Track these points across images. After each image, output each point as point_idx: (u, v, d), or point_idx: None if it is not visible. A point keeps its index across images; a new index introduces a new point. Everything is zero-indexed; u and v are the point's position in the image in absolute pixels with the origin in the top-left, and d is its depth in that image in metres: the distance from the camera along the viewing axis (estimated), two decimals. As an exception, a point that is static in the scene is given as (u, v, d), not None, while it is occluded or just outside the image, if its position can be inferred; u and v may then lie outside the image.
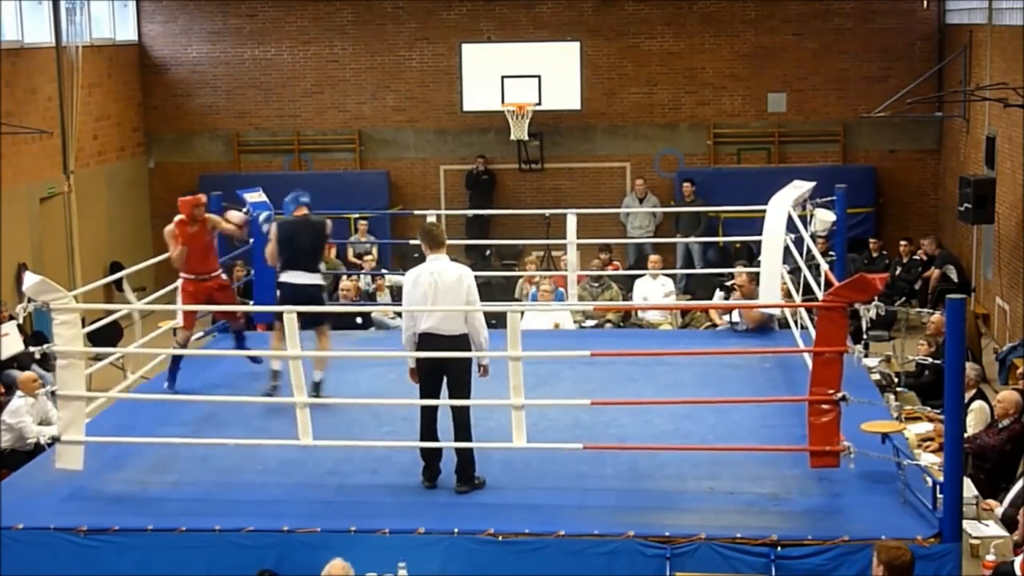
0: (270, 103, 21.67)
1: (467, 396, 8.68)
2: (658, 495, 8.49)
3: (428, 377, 8.72)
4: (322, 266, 10.66)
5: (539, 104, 19.92)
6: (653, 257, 16.52)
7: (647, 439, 9.35)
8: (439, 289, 8.63)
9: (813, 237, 11.98)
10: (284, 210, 10.73)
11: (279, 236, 10.51)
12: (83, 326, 9.17)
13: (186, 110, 21.70)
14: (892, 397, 10.73)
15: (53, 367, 9.34)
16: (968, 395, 10.76)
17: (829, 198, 12.37)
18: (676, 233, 20.00)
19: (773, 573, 7.64)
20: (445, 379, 8.71)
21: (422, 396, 8.75)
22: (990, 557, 8.01)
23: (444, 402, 8.72)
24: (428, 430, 8.71)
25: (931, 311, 13.31)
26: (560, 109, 20.40)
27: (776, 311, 12.42)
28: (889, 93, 18.79)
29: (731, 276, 15.20)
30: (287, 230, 10.51)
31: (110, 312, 12.22)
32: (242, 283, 13.71)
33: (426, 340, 8.63)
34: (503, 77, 19.89)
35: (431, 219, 11.90)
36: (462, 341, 8.63)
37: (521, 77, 19.91)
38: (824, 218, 12.21)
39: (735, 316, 12.51)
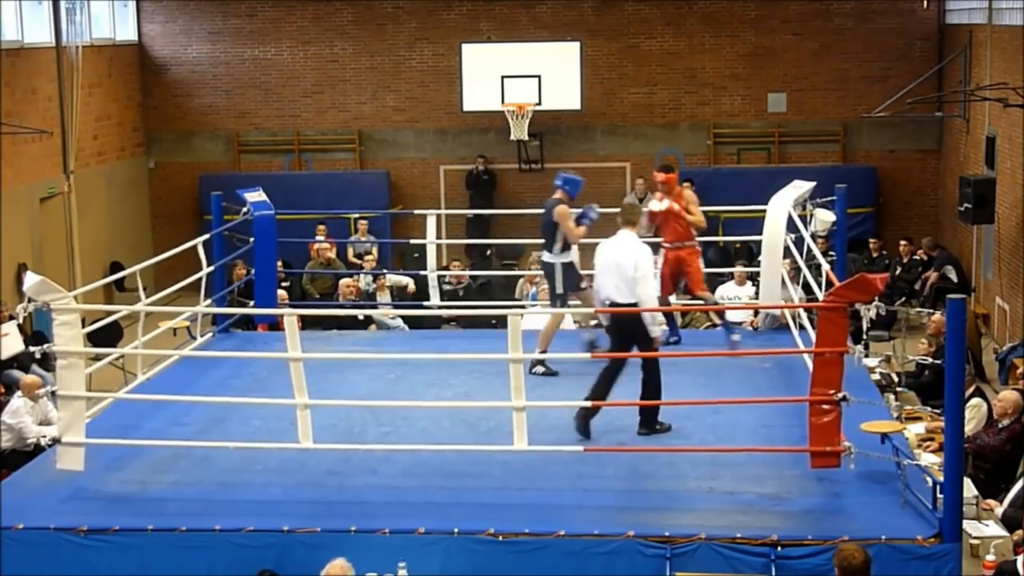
0: (270, 103, 21.67)
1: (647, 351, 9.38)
2: (658, 495, 8.49)
3: (615, 338, 9.66)
4: (556, 247, 11.20)
5: (539, 104, 19.93)
6: (653, 257, 16.48)
7: (647, 439, 9.36)
8: (610, 262, 9.58)
9: (813, 237, 11.97)
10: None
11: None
12: (83, 326, 9.17)
13: (186, 110, 21.71)
14: (892, 397, 10.73)
15: (53, 367, 9.33)
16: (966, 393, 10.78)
17: (829, 198, 12.36)
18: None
19: (773, 573, 7.64)
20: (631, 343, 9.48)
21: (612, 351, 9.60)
22: (990, 557, 8.02)
23: (448, 404, 8.70)
24: (607, 384, 9.36)
25: (931, 311, 13.30)
26: (560, 109, 20.40)
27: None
28: (889, 93, 18.80)
29: (731, 276, 15.25)
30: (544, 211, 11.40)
31: (110, 312, 12.21)
32: (242, 283, 13.71)
33: (607, 306, 9.58)
34: (503, 77, 19.90)
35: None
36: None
37: (521, 77, 19.91)
38: (824, 218, 12.21)
39: (752, 316, 12.50)
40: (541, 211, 11.50)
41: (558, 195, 11.26)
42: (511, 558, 7.84)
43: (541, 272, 11.90)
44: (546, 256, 11.25)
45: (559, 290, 11.18)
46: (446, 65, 21.11)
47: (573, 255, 11.24)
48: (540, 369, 10.91)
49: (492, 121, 20.66)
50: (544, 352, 10.83)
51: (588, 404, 9.26)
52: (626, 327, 9.44)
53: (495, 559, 7.85)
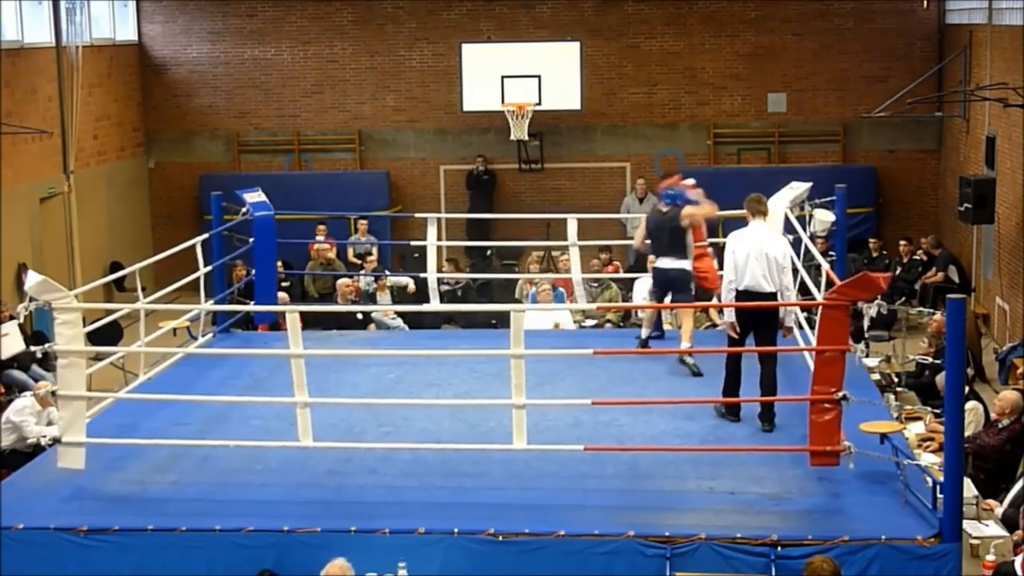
0: (270, 103, 21.67)
1: (773, 344, 9.67)
2: (658, 495, 8.49)
3: (743, 328, 9.69)
4: (688, 251, 11.29)
5: (539, 104, 19.93)
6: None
7: (647, 439, 9.36)
8: (758, 252, 9.62)
9: (812, 237, 11.97)
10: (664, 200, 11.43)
11: (647, 227, 11.49)
12: (83, 326, 9.17)
13: (186, 110, 21.71)
14: (892, 397, 10.73)
15: (54, 367, 9.33)
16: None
17: (829, 198, 12.36)
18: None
19: (773, 573, 7.64)
20: (754, 332, 9.69)
21: (733, 344, 9.66)
22: (990, 557, 8.02)
23: (448, 403, 8.70)
24: (734, 374, 9.63)
25: (931, 311, 13.31)
26: (560, 109, 20.41)
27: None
28: (889, 93, 18.81)
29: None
30: (653, 223, 11.41)
31: (110, 312, 12.21)
32: (242, 283, 13.70)
33: (744, 295, 9.62)
34: (503, 77, 19.90)
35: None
36: (774, 299, 9.62)
37: (521, 77, 19.91)
38: (823, 218, 12.20)
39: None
40: (542, 216, 11.49)
41: (668, 206, 11.28)
42: (511, 558, 7.84)
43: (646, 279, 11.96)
44: (683, 263, 11.19)
45: (694, 292, 11.30)
46: (446, 65, 21.10)
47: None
48: (690, 360, 10.97)
49: (492, 121, 20.66)
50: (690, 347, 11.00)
51: (588, 402, 9.26)
52: (765, 314, 9.60)
53: (495, 559, 7.85)
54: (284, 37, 21.51)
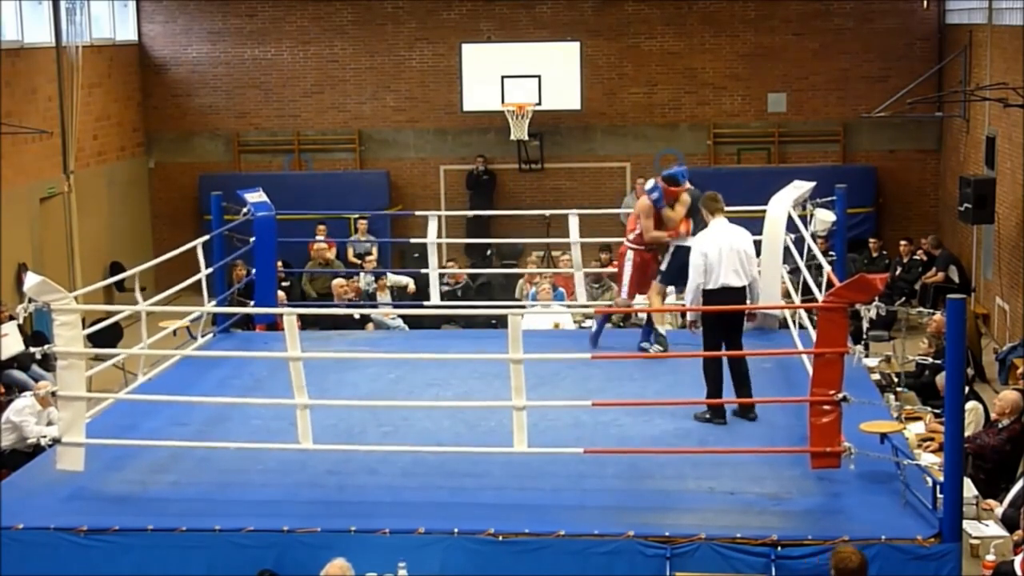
0: (270, 103, 21.68)
1: (740, 340, 9.84)
2: (658, 495, 8.49)
3: (716, 326, 9.75)
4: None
5: (539, 104, 19.93)
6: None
7: (647, 439, 9.36)
8: (729, 248, 9.71)
9: (813, 237, 11.97)
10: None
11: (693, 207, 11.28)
12: (84, 327, 9.16)
13: (186, 110, 21.71)
14: (892, 397, 10.73)
15: (54, 368, 9.32)
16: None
17: (829, 198, 12.36)
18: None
19: (773, 573, 7.64)
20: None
21: (708, 343, 9.75)
22: (990, 557, 8.03)
23: (448, 404, 8.67)
24: (718, 374, 9.64)
25: (931, 311, 13.31)
26: (560, 109, 20.41)
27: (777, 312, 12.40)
28: (889, 93, 18.81)
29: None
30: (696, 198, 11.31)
31: (111, 313, 12.20)
32: (243, 284, 13.69)
33: (719, 292, 9.68)
34: (503, 77, 19.90)
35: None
36: (746, 293, 9.84)
37: (521, 77, 19.92)
38: (824, 218, 12.20)
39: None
40: (544, 212, 11.52)
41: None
42: (511, 558, 7.84)
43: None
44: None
45: None
46: (446, 65, 21.11)
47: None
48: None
49: (492, 121, 20.67)
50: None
51: (589, 404, 9.25)
52: (738, 313, 9.78)
53: (495, 559, 7.85)
54: (284, 37, 21.51)
